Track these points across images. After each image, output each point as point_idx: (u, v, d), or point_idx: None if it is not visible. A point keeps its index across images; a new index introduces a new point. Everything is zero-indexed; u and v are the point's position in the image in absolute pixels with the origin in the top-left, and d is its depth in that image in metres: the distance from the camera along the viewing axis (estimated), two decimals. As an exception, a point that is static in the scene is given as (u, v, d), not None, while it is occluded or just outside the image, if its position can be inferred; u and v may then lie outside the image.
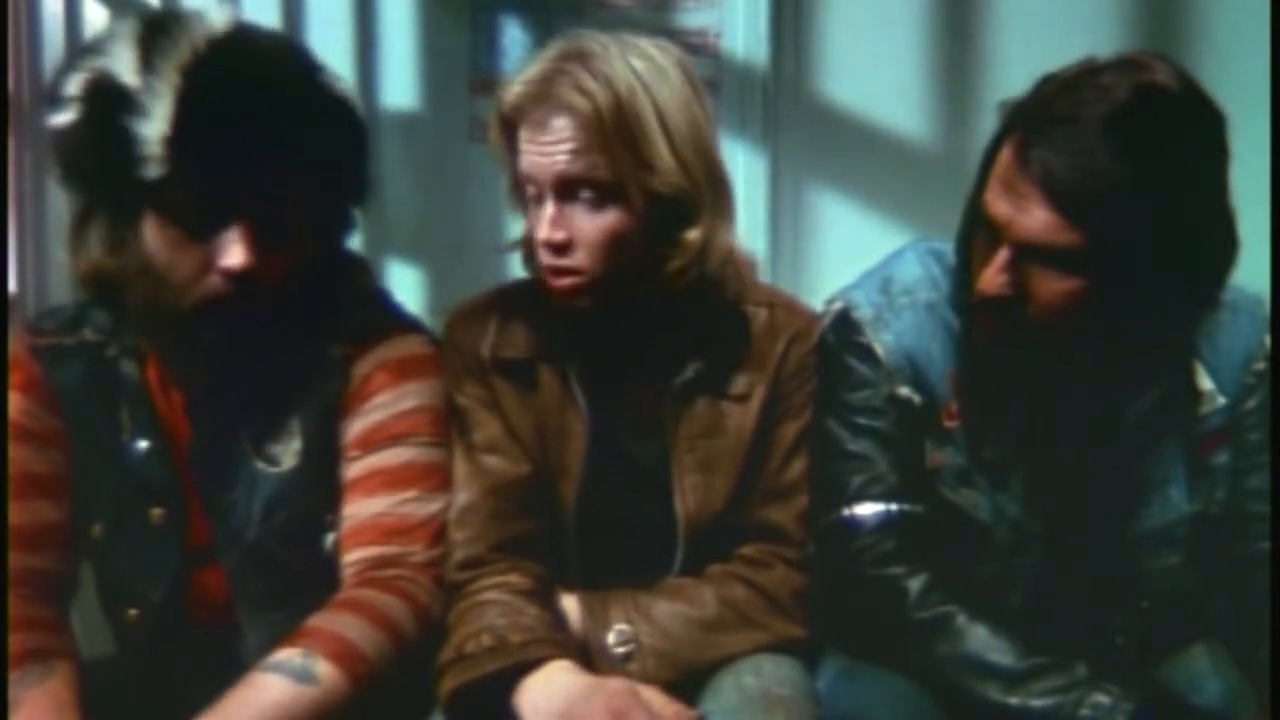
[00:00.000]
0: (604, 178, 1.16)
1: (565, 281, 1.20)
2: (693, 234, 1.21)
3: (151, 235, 1.12)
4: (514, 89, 1.19)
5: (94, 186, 1.13)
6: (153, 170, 1.07)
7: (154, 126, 1.07)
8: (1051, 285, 1.07)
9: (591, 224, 1.18)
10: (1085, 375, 1.16)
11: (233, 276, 1.12)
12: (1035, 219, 1.05)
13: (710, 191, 1.21)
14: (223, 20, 1.14)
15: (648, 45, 1.21)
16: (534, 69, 1.18)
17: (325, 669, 1.06)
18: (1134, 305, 1.08)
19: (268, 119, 1.10)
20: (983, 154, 1.15)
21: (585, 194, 1.17)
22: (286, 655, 1.07)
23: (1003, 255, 1.08)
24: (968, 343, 1.20)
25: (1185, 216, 1.04)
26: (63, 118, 1.11)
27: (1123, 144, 1.01)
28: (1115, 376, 1.18)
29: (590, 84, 1.15)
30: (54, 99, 1.12)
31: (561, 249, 1.18)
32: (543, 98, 1.16)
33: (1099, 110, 1.02)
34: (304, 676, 1.05)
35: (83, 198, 1.16)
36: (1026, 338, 1.11)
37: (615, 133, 1.15)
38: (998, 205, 1.08)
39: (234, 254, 1.12)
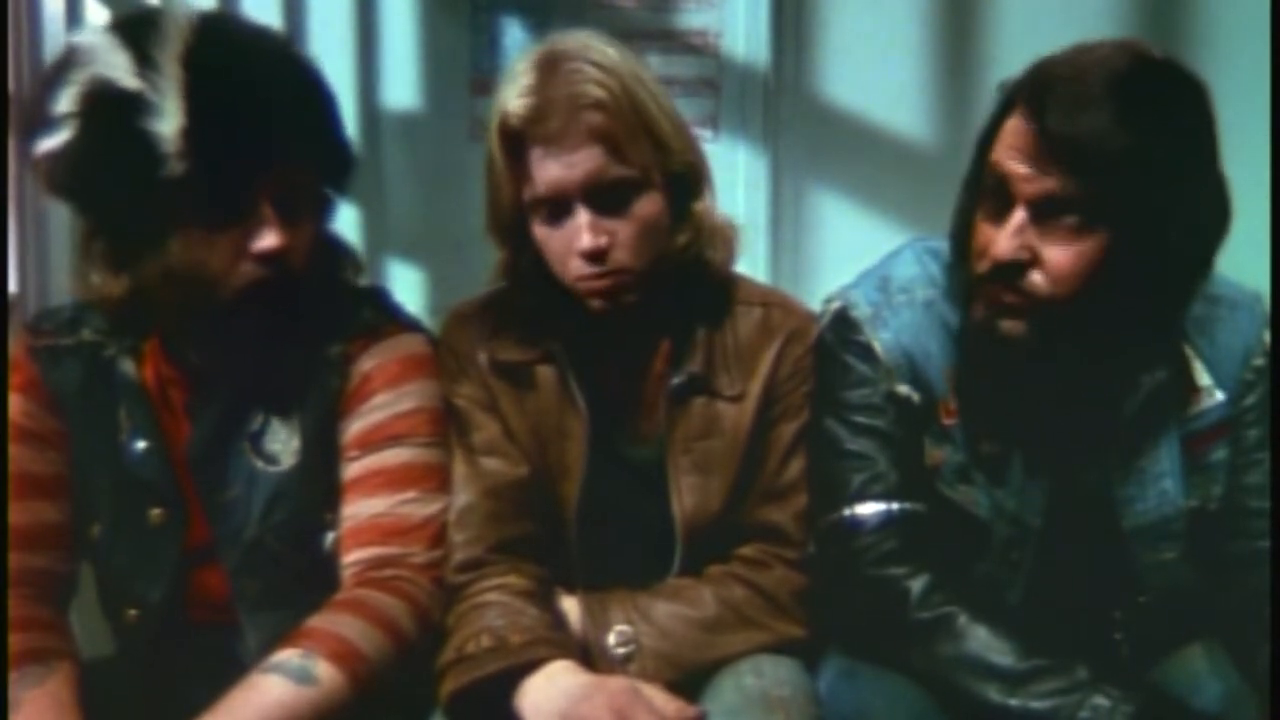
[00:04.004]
0: (634, 171, 1.16)
1: (607, 283, 1.18)
2: (699, 205, 1.23)
3: (172, 238, 1.11)
4: (518, 103, 1.15)
5: (107, 200, 1.12)
6: (173, 167, 1.07)
7: (169, 123, 1.07)
8: (1064, 248, 1.08)
9: (627, 220, 1.17)
10: (1082, 360, 1.16)
11: (270, 258, 1.13)
12: (1051, 175, 1.06)
13: (702, 161, 1.24)
14: (188, 7, 1.14)
15: (588, 37, 1.20)
16: (527, 79, 1.16)
17: (325, 669, 1.06)
18: (1139, 271, 1.08)
19: (266, 94, 1.11)
20: (980, 137, 1.16)
21: (619, 191, 1.16)
22: (286, 656, 1.07)
23: (1018, 217, 1.09)
24: (967, 333, 1.19)
25: (1185, 176, 1.07)
26: (58, 138, 1.09)
27: (1128, 104, 1.04)
28: (1113, 359, 1.18)
29: (601, 76, 1.14)
30: (40, 122, 1.10)
31: (601, 255, 1.17)
32: (557, 103, 1.13)
33: (1103, 73, 1.06)
34: (304, 677, 1.05)
35: (93, 214, 1.15)
36: (1030, 309, 1.11)
37: (635, 119, 1.15)
38: (1010, 164, 1.09)
39: (269, 235, 1.12)
